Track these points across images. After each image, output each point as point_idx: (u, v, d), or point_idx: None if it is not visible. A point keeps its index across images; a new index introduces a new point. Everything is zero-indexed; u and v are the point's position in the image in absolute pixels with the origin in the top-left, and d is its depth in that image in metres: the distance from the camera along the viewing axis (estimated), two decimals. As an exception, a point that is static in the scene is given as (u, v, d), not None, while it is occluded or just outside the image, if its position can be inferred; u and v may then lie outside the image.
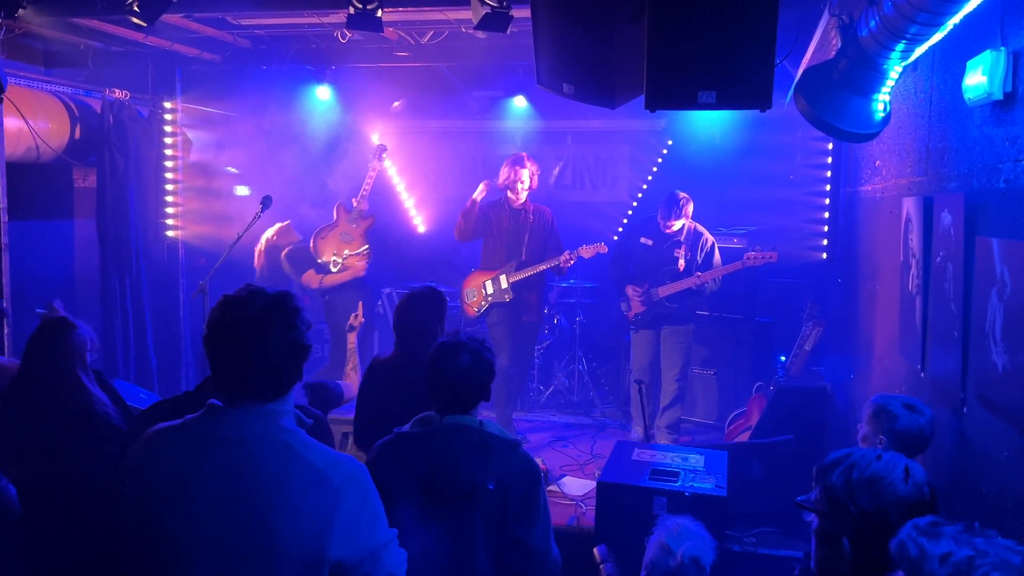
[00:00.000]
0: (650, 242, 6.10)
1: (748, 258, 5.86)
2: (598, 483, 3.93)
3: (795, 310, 6.14)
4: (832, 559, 1.80)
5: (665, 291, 5.98)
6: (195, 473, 1.78)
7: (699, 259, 6.01)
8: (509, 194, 6.02)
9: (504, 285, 6.05)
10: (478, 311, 6.14)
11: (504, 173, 6.00)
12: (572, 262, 5.98)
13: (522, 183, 5.96)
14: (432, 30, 6.04)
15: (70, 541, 3.20)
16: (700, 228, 6.10)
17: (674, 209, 5.89)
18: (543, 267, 6.00)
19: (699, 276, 5.91)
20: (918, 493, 1.76)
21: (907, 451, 2.50)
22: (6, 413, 3.39)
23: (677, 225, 5.95)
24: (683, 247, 6.00)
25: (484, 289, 6.11)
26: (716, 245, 6.12)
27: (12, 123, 5.24)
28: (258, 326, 1.81)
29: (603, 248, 6.02)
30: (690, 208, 5.96)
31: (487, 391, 2.64)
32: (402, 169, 8.53)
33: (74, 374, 3.38)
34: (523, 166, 5.97)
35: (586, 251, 5.99)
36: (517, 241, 6.08)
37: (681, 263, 5.97)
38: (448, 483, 2.46)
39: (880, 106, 3.52)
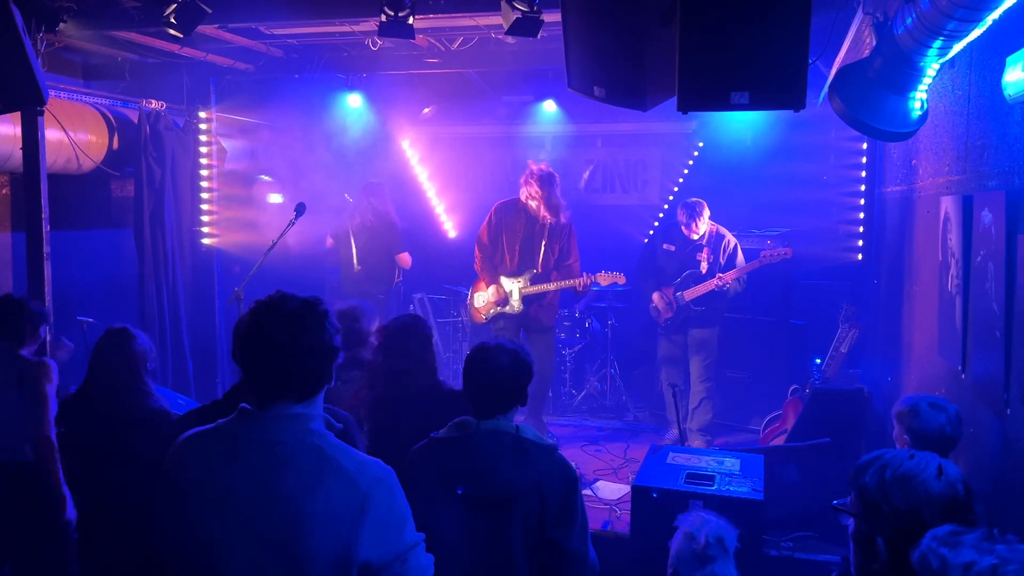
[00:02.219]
0: (672, 248, 6.18)
1: (764, 256, 5.93)
2: (633, 487, 3.91)
3: (830, 312, 6.07)
4: (868, 560, 1.78)
5: (690, 294, 6.06)
6: (227, 475, 1.81)
7: (722, 261, 6.07)
8: (530, 202, 5.87)
9: (516, 297, 5.94)
10: (486, 318, 6.08)
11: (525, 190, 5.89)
12: (589, 288, 5.91)
13: (533, 200, 5.81)
14: (462, 36, 6.07)
15: (136, 545, 3.24)
16: (722, 230, 6.15)
17: (695, 213, 5.99)
18: (558, 286, 5.89)
19: (720, 277, 5.95)
20: (952, 491, 1.73)
21: (931, 450, 2.46)
22: (71, 419, 3.46)
23: (702, 228, 6.02)
24: (705, 250, 6.08)
25: (494, 296, 6.01)
26: (739, 247, 6.14)
27: (53, 134, 5.35)
28: (290, 327, 1.85)
29: (621, 279, 5.98)
30: (706, 210, 6.03)
31: (524, 394, 2.64)
32: (432, 174, 8.58)
33: (142, 380, 3.47)
34: (528, 182, 5.84)
35: (603, 279, 5.94)
36: (530, 249, 5.95)
37: (704, 266, 6.04)
38: (486, 488, 2.47)
39: (917, 104, 3.48)
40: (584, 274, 5.86)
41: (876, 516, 1.76)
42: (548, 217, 5.84)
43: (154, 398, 3.51)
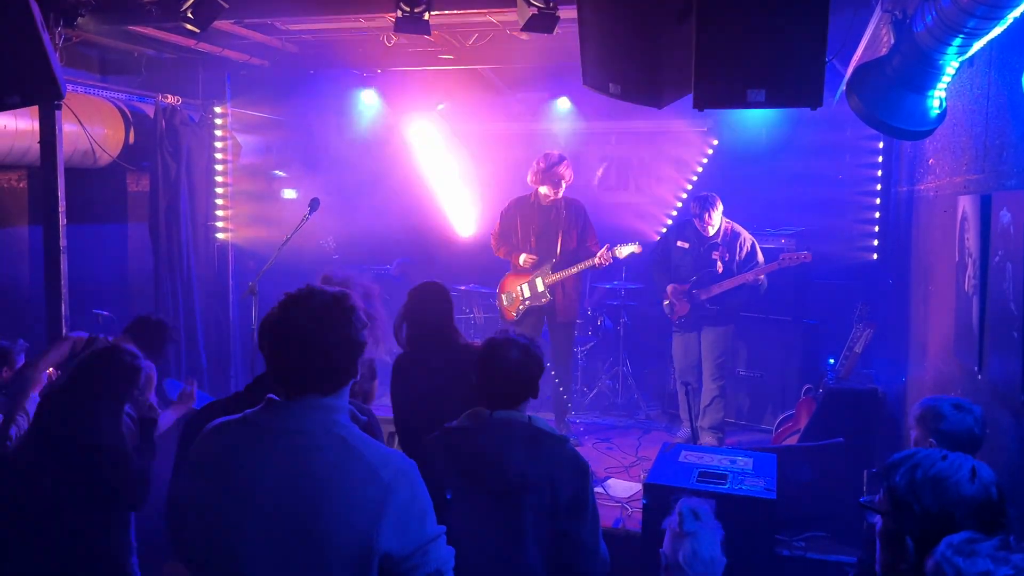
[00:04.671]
0: (687, 245, 6.12)
1: (783, 259, 5.88)
2: (645, 485, 3.90)
3: (844, 312, 6.03)
4: (896, 560, 1.76)
5: (707, 294, 5.98)
6: (253, 464, 1.84)
7: (738, 259, 6.00)
8: (540, 190, 5.99)
9: (541, 288, 6.02)
10: (517, 315, 6.13)
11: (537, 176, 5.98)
12: (610, 261, 5.94)
13: (533, 179, 5.93)
14: (477, 33, 6.07)
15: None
16: (737, 228, 6.09)
17: (707, 205, 5.92)
18: (580, 267, 5.96)
19: (743, 277, 5.89)
20: (985, 493, 1.71)
21: (959, 452, 2.43)
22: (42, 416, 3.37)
23: (716, 221, 5.95)
24: (720, 248, 6.00)
25: (521, 292, 6.10)
26: (756, 244, 6.08)
27: (70, 128, 5.39)
28: (317, 320, 1.87)
29: (638, 249, 5.98)
30: (719, 204, 5.96)
31: (536, 387, 2.65)
32: (445, 171, 8.57)
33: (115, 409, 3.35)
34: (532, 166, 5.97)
35: (621, 251, 5.94)
36: (549, 240, 6.02)
37: (719, 265, 5.98)
38: (498, 477, 2.48)
39: (935, 103, 3.45)
40: (604, 246, 5.90)
41: (906, 516, 1.74)
42: (547, 191, 5.91)
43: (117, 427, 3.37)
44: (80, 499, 3.16)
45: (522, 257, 6.06)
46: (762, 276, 5.90)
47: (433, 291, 3.63)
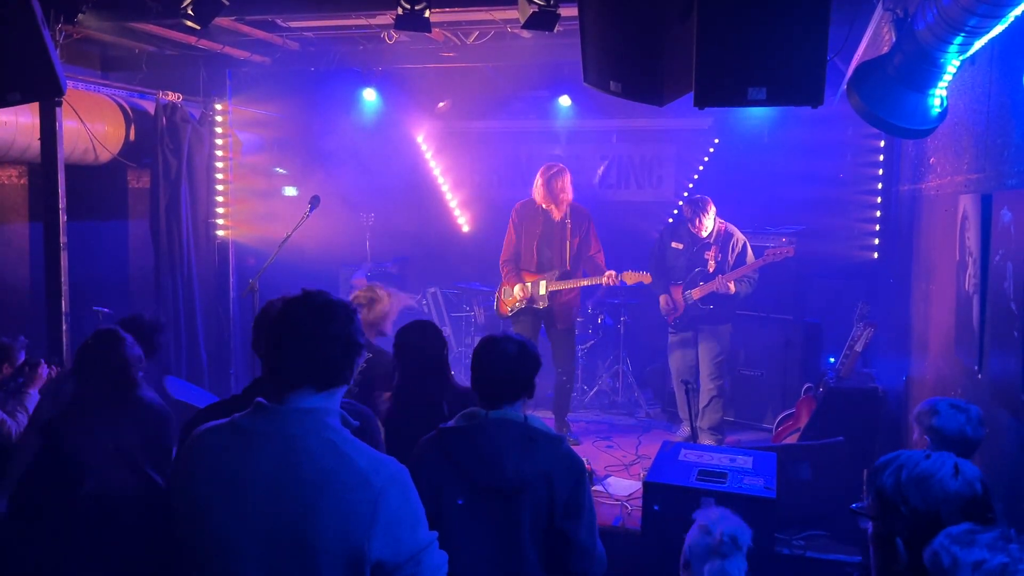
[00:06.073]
0: (680, 246, 6.13)
1: (768, 255, 5.88)
2: (644, 483, 3.90)
3: (845, 311, 6.03)
4: (889, 562, 1.76)
5: (698, 293, 6.00)
6: (242, 469, 1.81)
7: (731, 259, 6.01)
8: (535, 195, 6.01)
9: (542, 292, 6.00)
10: (511, 311, 6.13)
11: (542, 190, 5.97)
12: (617, 283, 5.95)
13: (552, 200, 5.91)
14: (478, 30, 6.06)
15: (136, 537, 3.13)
16: (731, 228, 6.09)
17: (699, 209, 5.93)
18: (586, 282, 5.99)
19: (721, 278, 5.89)
20: (970, 489, 1.72)
21: (953, 451, 2.43)
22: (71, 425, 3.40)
23: (708, 224, 5.96)
24: (713, 248, 6.02)
25: (521, 292, 6.09)
26: (748, 245, 6.08)
27: (70, 125, 5.39)
28: (318, 316, 1.88)
29: (647, 278, 5.98)
30: (711, 207, 5.96)
31: (531, 385, 2.64)
32: (446, 169, 8.58)
33: (133, 379, 3.41)
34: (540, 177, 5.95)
35: (630, 277, 5.94)
36: (554, 248, 6.02)
37: (711, 264, 5.98)
38: (494, 477, 2.47)
39: (937, 101, 3.45)
40: (611, 272, 5.90)
41: (895, 517, 1.75)
42: (553, 209, 5.92)
43: (149, 394, 3.45)
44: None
45: (516, 288, 6.06)
46: (732, 285, 5.89)
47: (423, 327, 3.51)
